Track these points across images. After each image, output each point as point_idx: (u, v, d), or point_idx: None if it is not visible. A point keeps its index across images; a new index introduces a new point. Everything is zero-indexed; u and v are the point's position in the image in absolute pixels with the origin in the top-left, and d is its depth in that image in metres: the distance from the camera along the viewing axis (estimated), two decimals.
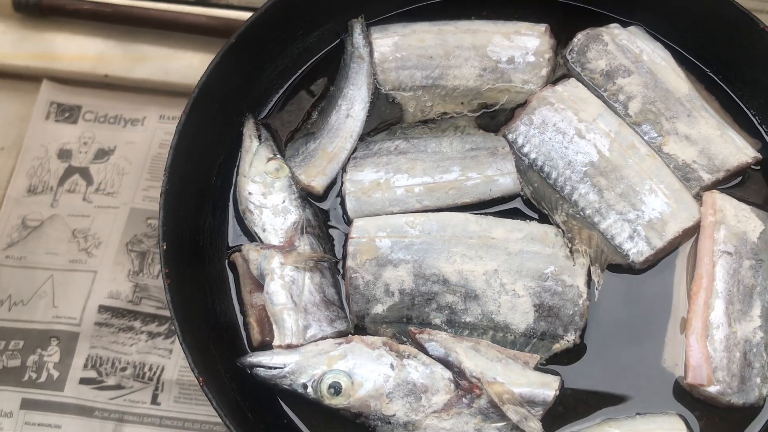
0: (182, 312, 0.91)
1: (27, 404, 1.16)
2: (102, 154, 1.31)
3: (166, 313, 1.14)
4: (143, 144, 1.32)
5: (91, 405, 1.15)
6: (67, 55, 1.37)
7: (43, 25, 1.38)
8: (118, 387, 1.16)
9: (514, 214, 1.04)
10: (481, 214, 1.03)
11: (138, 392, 1.16)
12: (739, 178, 1.06)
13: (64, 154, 1.31)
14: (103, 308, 1.21)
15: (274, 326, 0.97)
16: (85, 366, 1.17)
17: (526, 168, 1.06)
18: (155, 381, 1.17)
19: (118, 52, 1.37)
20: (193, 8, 1.35)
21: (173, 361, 1.18)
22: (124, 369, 1.17)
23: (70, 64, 1.36)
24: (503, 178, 1.04)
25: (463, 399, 0.91)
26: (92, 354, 1.18)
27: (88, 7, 1.35)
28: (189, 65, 1.34)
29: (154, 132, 1.33)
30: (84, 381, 1.16)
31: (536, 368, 0.95)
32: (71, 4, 1.36)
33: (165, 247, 0.93)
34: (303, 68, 1.14)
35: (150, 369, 1.17)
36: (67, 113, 1.33)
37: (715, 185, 1.04)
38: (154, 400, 1.16)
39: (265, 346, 0.98)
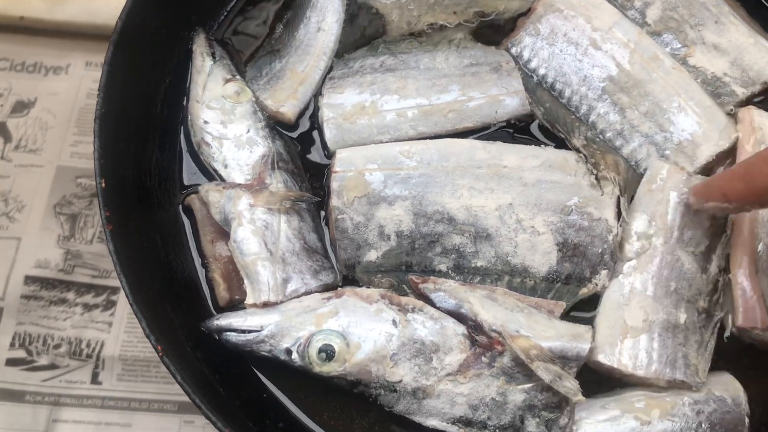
0: (130, 266, 0.82)
1: None
2: (21, 107, 1.25)
3: (104, 282, 1.10)
4: (68, 94, 1.25)
5: (21, 388, 1.10)
6: None
7: None
8: (52, 367, 1.12)
9: (525, 140, 0.98)
10: (488, 140, 0.95)
11: (75, 371, 1.11)
12: None
13: None
14: (30, 279, 1.16)
15: (245, 281, 0.90)
16: (12, 345, 1.12)
17: (534, 86, 1.00)
18: (95, 358, 1.12)
19: None
20: None
21: (114, 335, 1.13)
22: (57, 346, 1.12)
23: None
24: (510, 98, 0.97)
25: (482, 358, 0.82)
26: (20, 331, 1.13)
27: None
28: (117, 5, 1.23)
29: (81, 81, 1.27)
30: (11, 362, 1.11)
31: (562, 318, 0.88)
32: None
33: (104, 185, 0.83)
34: None
35: (88, 345, 1.13)
36: None
37: (749, 100, 0.99)
38: (95, 380, 1.11)
39: (235, 305, 0.91)
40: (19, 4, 1.25)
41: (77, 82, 1.24)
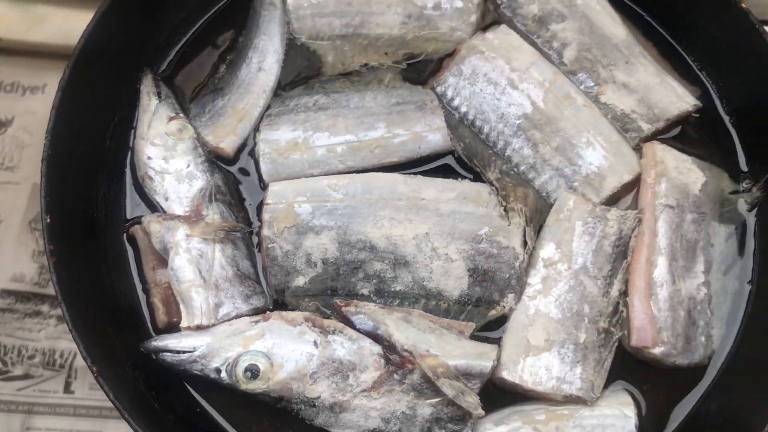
0: (72, 294, 0.87)
1: None
2: None
3: None
4: (45, 114, 1.20)
5: None
6: None
7: None
8: (26, 377, 1.13)
9: (446, 173, 1.02)
10: (409, 173, 1.01)
11: (49, 381, 1.13)
12: (679, 128, 1.06)
13: None
14: (5, 292, 1.17)
15: (181, 306, 0.94)
16: None
17: (456, 123, 1.04)
18: (67, 368, 1.13)
19: (13, 12, 1.30)
20: None
21: None
22: (32, 357, 1.14)
23: None
24: (432, 135, 1.02)
25: (395, 375, 0.89)
26: None
27: None
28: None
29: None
30: None
31: (472, 337, 0.93)
32: None
33: (49, 220, 0.88)
34: (207, 15, 1.11)
35: (61, 356, 1.14)
36: None
37: (654, 135, 1.04)
38: (67, 389, 1.13)
39: (173, 328, 0.95)
40: None
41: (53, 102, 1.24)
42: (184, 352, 0.88)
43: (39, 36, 1.27)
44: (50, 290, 1.15)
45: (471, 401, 0.86)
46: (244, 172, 1.02)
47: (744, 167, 1.04)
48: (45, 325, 1.15)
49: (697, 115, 1.05)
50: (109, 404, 1.02)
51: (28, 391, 1.11)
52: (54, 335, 1.14)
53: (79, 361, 1.12)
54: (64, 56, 1.19)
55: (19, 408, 1.11)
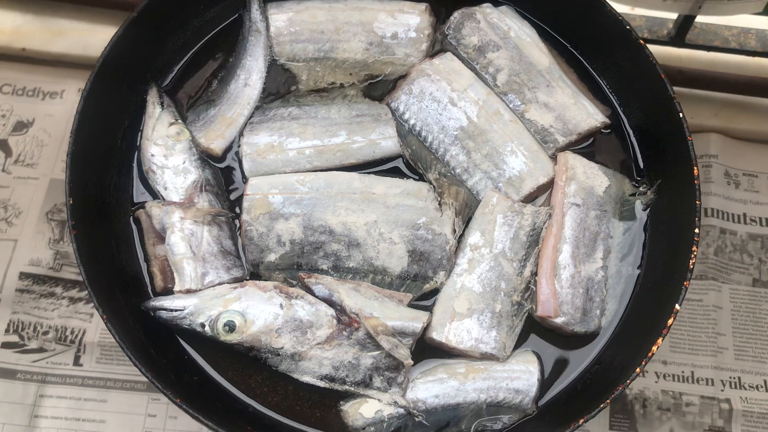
0: (89, 260, 0.96)
1: None
2: (21, 126, 1.31)
3: None
4: (62, 116, 1.32)
5: (14, 368, 1.17)
6: None
7: None
8: (41, 350, 1.18)
9: (395, 173, 1.11)
10: (364, 173, 1.09)
11: (60, 354, 1.18)
12: (591, 140, 1.16)
13: None
14: (24, 275, 1.22)
15: (175, 274, 1.02)
16: (7, 331, 1.19)
17: (406, 132, 1.13)
18: (77, 343, 1.19)
19: (36, 26, 1.36)
20: None
21: (94, 324, 1.20)
22: (46, 333, 1.18)
23: None
24: (385, 142, 1.10)
25: (344, 332, 0.98)
26: (14, 319, 1.19)
27: None
28: (107, 39, 1.23)
29: (73, 105, 1.16)
30: (6, 345, 1.18)
31: (409, 305, 1.03)
32: None
33: (71, 202, 0.97)
34: (203, 40, 1.18)
35: (72, 332, 1.19)
36: None
37: (568, 147, 1.13)
38: (77, 362, 1.18)
39: (168, 292, 1.03)
40: (22, 37, 1.35)
41: (70, 106, 1.31)
42: (176, 310, 0.97)
43: (59, 47, 1.35)
44: (63, 275, 1.22)
45: (403, 353, 0.96)
46: (229, 168, 1.10)
47: (642, 174, 1.14)
48: (58, 305, 1.20)
49: (607, 131, 1.15)
50: (113, 376, 1.17)
51: (41, 363, 1.17)
52: (66, 314, 1.20)
53: (88, 338, 1.18)
54: (81, 65, 1.35)
55: (34, 378, 1.16)
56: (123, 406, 1.16)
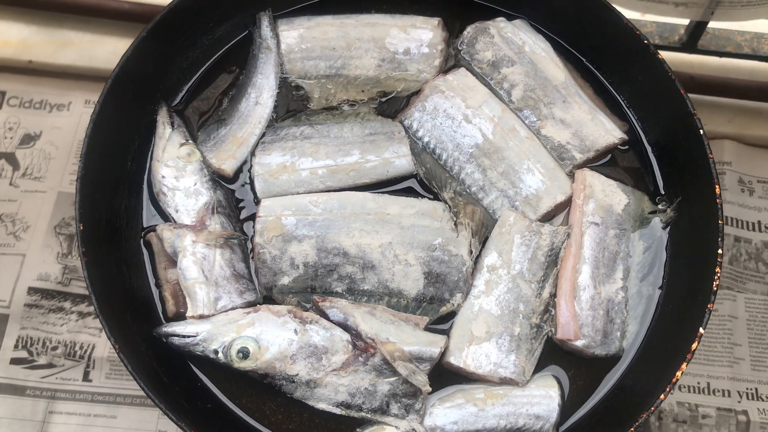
0: (99, 287, 0.96)
1: None
2: (28, 139, 1.31)
3: None
4: (69, 129, 1.32)
5: (23, 384, 1.17)
6: None
7: None
8: (50, 366, 1.18)
9: (409, 192, 1.11)
10: (378, 192, 1.09)
11: (69, 370, 1.17)
12: (608, 157, 1.15)
13: None
14: (32, 290, 1.22)
15: (187, 299, 1.01)
16: (16, 346, 1.18)
17: (420, 150, 1.12)
18: (86, 359, 1.18)
19: (42, 38, 1.36)
20: None
21: (103, 339, 1.20)
22: (55, 348, 1.18)
23: None
24: (399, 160, 1.10)
25: (360, 358, 0.98)
26: (23, 335, 1.19)
27: None
28: (113, 51, 1.34)
29: (80, 117, 1.33)
30: (15, 361, 1.18)
31: (425, 329, 1.02)
32: None
33: (82, 227, 0.97)
34: (213, 58, 1.18)
35: (81, 348, 1.19)
36: None
37: (586, 163, 1.13)
38: (86, 377, 1.17)
39: (180, 317, 1.03)
40: (28, 49, 1.35)
41: (77, 118, 1.32)
42: (188, 336, 0.97)
43: (65, 59, 1.35)
44: (72, 289, 1.21)
45: (421, 380, 0.96)
46: (241, 189, 1.10)
47: (661, 191, 1.13)
48: (67, 320, 1.20)
49: (625, 147, 1.14)
50: (122, 392, 1.16)
51: (51, 379, 1.16)
52: (75, 329, 1.19)
53: (97, 353, 1.17)
54: (88, 77, 1.35)
55: (43, 394, 1.16)
56: (133, 422, 1.15)
